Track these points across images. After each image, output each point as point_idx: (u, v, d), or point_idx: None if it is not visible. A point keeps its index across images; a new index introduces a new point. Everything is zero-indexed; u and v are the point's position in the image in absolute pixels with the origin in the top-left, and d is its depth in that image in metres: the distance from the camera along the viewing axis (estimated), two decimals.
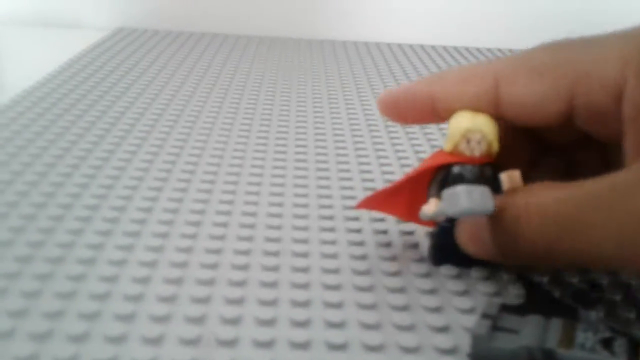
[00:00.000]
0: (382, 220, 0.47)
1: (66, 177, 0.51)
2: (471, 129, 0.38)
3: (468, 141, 0.38)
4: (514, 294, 0.39)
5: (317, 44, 1.10)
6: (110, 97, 0.75)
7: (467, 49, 1.11)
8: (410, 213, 0.43)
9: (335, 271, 0.40)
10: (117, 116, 0.68)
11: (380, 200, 0.44)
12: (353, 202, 0.49)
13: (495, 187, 0.38)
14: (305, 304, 0.36)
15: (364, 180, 0.55)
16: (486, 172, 0.38)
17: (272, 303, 0.36)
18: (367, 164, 0.59)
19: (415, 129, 0.68)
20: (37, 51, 0.99)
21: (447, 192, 0.37)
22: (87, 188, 0.50)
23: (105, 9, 1.14)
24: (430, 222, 0.42)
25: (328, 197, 0.50)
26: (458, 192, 0.37)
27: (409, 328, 0.35)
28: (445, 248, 0.41)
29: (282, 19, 1.15)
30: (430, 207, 0.39)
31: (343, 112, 0.74)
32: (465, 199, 0.36)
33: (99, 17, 1.13)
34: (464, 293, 0.39)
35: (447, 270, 0.41)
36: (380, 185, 0.54)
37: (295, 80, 0.86)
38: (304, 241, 0.43)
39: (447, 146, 0.39)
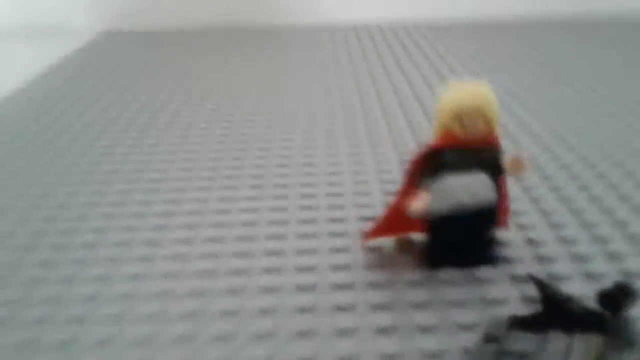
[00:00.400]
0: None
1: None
2: (465, 108, 0.34)
3: (462, 121, 0.34)
4: (526, 299, 0.34)
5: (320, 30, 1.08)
6: (109, 96, 0.74)
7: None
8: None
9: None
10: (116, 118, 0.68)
11: (391, 224, 0.39)
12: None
13: (497, 171, 0.34)
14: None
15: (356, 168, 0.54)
16: (486, 155, 0.35)
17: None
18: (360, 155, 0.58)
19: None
20: (18, 60, 0.97)
21: (438, 186, 0.33)
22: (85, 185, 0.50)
23: (86, 13, 1.12)
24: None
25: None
26: (450, 185, 0.33)
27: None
28: (442, 248, 0.37)
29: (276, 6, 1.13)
30: (419, 203, 0.34)
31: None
32: (459, 192, 0.33)
33: (80, 21, 1.11)
34: (463, 305, 0.34)
35: (445, 274, 0.37)
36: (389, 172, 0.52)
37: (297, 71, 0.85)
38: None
39: (438, 128, 0.35)
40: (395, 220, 0.39)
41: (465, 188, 0.33)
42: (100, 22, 1.12)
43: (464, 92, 0.35)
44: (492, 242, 0.39)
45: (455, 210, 0.34)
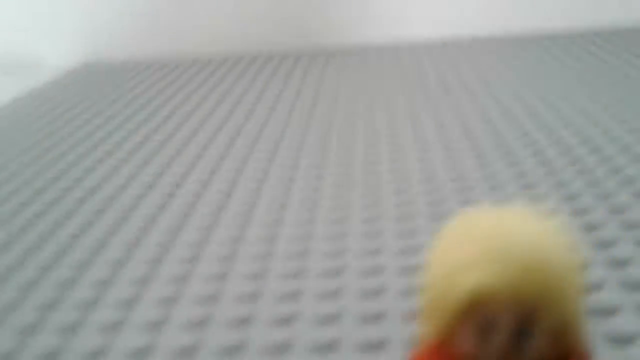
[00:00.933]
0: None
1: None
2: (491, 295, 0.16)
3: (485, 327, 0.17)
4: None
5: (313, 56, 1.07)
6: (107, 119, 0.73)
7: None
8: None
9: None
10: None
11: None
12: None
13: None
14: None
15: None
16: None
17: None
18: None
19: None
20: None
21: None
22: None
23: (66, 45, 1.11)
24: None
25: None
26: None
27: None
28: None
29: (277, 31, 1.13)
30: None
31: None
32: None
33: (60, 54, 1.10)
34: None
35: None
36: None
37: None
38: None
39: (428, 334, 0.18)
40: None
41: None
42: (84, 55, 1.11)
43: (499, 245, 0.17)
44: None
45: None
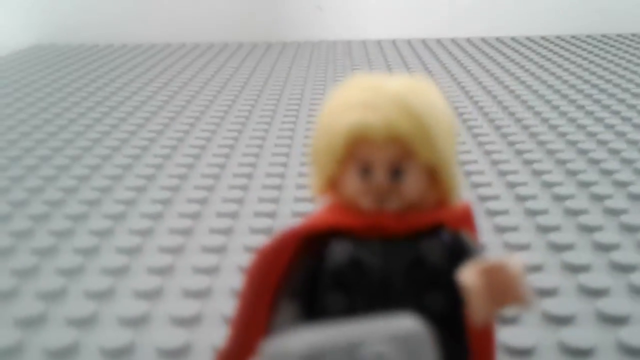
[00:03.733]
0: None
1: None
2: (371, 131, 0.18)
3: (366, 169, 0.18)
4: None
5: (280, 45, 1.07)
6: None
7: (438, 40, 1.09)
8: None
9: None
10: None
11: None
12: None
13: (450, 292, 0.18)
14: None
15: None
16: (430, 260, 0.19)
17: None
18: None
19: None
20: None
21: (268, 355, 0.16)
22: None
23: (19, 26, 1.07)
24: None
25: None
26: (330, 346, 0.16)
27: None
28: None
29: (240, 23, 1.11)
30: None
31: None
32: None
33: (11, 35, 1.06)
34: None
35: None
36: None
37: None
38: None
39: (317, 180, 0.20)
40: None
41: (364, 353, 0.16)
42: (33, 37, 1.06)
43: (373, 89, 0.19)
44: None
45: None
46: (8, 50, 1.01)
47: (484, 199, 0.44)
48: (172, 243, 0.38)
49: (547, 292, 0.33)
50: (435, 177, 0.19)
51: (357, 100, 0.18)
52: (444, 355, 0.17)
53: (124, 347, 0.29)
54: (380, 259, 0.18)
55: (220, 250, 0.38)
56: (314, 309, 0.19)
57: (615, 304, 0.31)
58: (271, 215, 0.42)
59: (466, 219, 0.20)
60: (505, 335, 0.29)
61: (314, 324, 0.17)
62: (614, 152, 0.52)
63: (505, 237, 0.38)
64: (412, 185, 0.18)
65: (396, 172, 0.18)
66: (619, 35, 1.03)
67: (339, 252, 0.19)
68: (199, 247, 0.38)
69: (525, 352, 0.28)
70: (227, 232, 0.40)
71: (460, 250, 0.19)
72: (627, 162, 0.50)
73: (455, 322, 0.19)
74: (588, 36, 1.04)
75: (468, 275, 0.17)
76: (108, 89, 0.77)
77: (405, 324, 0.16)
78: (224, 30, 1.08)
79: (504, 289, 0.17)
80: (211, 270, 0.36)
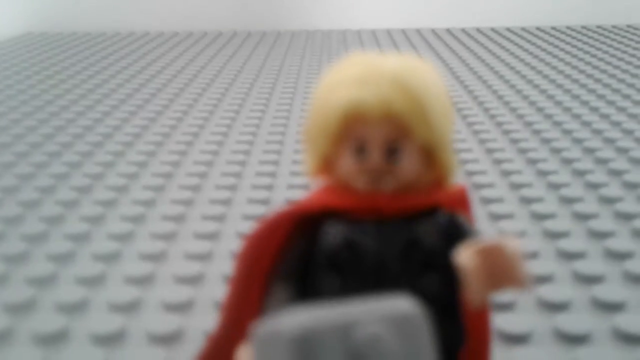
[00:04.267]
0: None
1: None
2: (366, 108, 0.17)
3: (361, 148, 0.18)
4: None
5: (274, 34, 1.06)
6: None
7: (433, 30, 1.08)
8: None
9: None
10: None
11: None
12: None
13: (446, 274, 0.18)
14: None
15: None
16: (426, 242, 0.18)
17: None
18: None
19: None
20: None
21: (260, 337, 0.16)
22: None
23: (9, 14, 1.06)
24: None
25: None
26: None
27: None
28: None
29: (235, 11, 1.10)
30: None
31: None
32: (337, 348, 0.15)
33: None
34: None
35: None
36: None
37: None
38: None
39: (311, 161, 0.19)
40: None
41: (353, 346, 0.15)
42: (23, 25, 1.06)
43: (369, 67, 0.18)
44: None
45: None
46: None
47: (478, 186, 0.43)
48: (164, 229, 0.38)
49: (542, 279, 0.32)
50: (431, 157, 0.18)
51: (353, 77, 0.18)
52: (439, 337, 0.16)
53: (114, 332, 0.29)
54: (375, 240, 0.18)
55: (212, 236, 0.37)
56: (307, 292, 0.18)
57: (610, 291, 0.31)
58: (265, 202, 0.42)
59: (462, 201, 0.19)
60: (500, 321, 0.29)
61: (306, 305, 0.16)
62: (609, 140, 0.51)
63: (500, 225, 0.38)
64: (408, 165, 0.18)
65: (392, 152, 0.18)
66: (614, 27, 1.03)
67: (332, 233, 0.18)
68: (191, 233, 0.38)
69: (521, 338, 0.28)
70: (219, 218, 0.40)
71: (456, 232, 0.18)
72: (622, 150, 0.49)
73: (451, 303, 0.18)
74: (583, 27, 1.04)
75: (465, 256, 0.17)
76: (100, 77, 0.76)
77: (401, 305, 0.16)
78: (218, 19, 1.08)
79: (502, 271, 0.17)
80: (203, 257, 0.35)
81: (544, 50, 0.87)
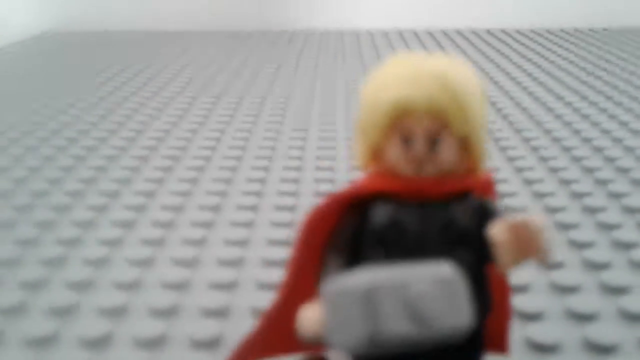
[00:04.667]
0: None
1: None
2: (414, 105, 0.20)
3: (407, 136, 0.20)
4: None
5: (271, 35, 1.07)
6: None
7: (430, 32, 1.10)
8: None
9: None
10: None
11: (274, 342, 0.24)
12: None
13: (484, 256, 0.21)
14: None
15: None
16: (461, 221, 0.21)
17: None
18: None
19: None
20: None
21: (331, 292, 0.19)
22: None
23: (28, 13, 1.06)
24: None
25: None
26: (376, 290, 0.18)
27: None
28: None
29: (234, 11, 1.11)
30: (312, 321, 0.20)
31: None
32: (392, 310, 0.18)
33: (21, 21, 1.05)
34: None
35: None
36: None
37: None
38: None
39: (362, 150, 0.22)
40: (279, 336, 0.24)
41: (408, 300, 0.18)
42: (43, 23, 1.06)
43: (415, 67, 0.21)
44: None
45: (392, 348, 0.18)
46: (14, 38, 1.01)
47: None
48: (154, 235, 0.39)
49: (568, 290, 0.33)
50: (466, 147, 0.21)
51: (401, 76, 0.20)
52: (475, 308, 0.20)
53: (103, 336, 0.30)
54: (417, 220, 0.21)
55: (200, 243, 0.38)
56: (356, 264, 0.21)
57: (636, 302, 0.32)
58: (253, 208, 0.43)
59: (489, 187, 0.22)
60: (530, 331, 0.30)
61: (366, 270, 0.19)
62: (617, 140, 0.53)
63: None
64: (447, 154, 0.20)
65: (433, 142, 0.20)
66: (605, 30, 1.04)
67: (381, 213, 0.21)
68: (180, 239, 0.39)
69: (550, 348, 0.29)
70: (208, 225, 0.40)
71: (486, 213, 0.21)
72: (629, 149, 0.51)
73: (481, 276, 0.21)
74: (576, 30, 1.05)
75: (497, 231, 0.19)
76: (96, 79, 0.77)
77: (445, 270, 0.19)
78: (213, 19, 1.09)
79: (528, 243, 0.19)
80: (191, 263, 0.36)
81: (549, 50, 0.88)
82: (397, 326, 0.18)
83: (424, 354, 0.20)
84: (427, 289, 0.18)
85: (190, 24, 1.09)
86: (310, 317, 0.20)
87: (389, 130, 0.20)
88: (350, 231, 0.21)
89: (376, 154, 0.21)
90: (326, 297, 0.19)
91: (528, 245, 0.19)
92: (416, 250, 0.20)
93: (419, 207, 0.21)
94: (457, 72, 0.20)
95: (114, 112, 0.64)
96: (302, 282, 0.22)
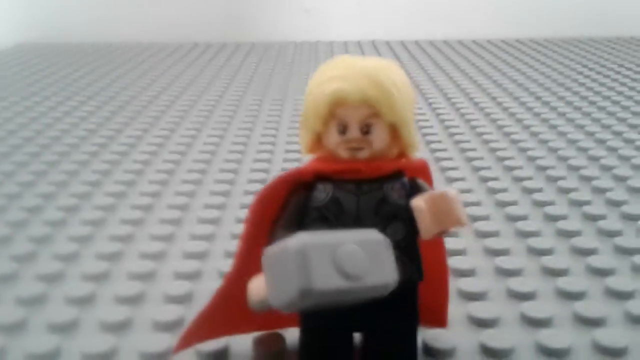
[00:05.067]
0: None
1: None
2: (348, 96, 0.23)
3: (343, 126, 0.23)
4: None
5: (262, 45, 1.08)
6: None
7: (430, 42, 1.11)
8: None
9: None
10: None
11: (228, 317, 0.27)
12: None
13: (408, 224, 0.24)
14: None
15: None
16: (392, 195, 0.24)
17: None
18: None
19: None
20: None
21: (270, 254, 0.21)
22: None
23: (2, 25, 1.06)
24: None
25: None
26: (309, 251, 0.20)
27: None
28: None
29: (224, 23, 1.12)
30: (258, 288, 0.22)
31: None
32: (304, 275, 0.19)
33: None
34: None
35: None
36: None
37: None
38: None
39: (305, 136, 0.25)
40: (231, 312, 0.26)
41: (337, 257, 0.20)
42: (17, 35, 1.06)
43: (349, 66, 0.24)
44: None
45: (324, 303, 0.20)
46: None
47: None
48: (153, 249, 0.38)
49: (575, 296, 0.33)
50: (396, 134, 0.24)
51: (338, 73, 0.23)
52: (401, 271, 0.22)
53: (106, 352, 0.29)
54: (354, 197, 0.24)
55: (201, 256, 0.38)
56: None
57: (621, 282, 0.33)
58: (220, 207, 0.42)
59: (423, 170, 0.26)
60: (541, 337, 0.29)
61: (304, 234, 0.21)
62: (573, 142, 0.53)
63: (508, 210, 0.39)
64: (379, 138, 0.23)
65: (366, 128, 0.23)
66: (589, 39, 1.06)
67: (322, 192, 0.24)
68: (180, 252, 0.38)
69: (562, 352, 0.29)
70: (208, 238, 0.40)
71: (416, 191, 0.24)
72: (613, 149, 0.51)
73: (411, 247, 0.24)
74: (561, 39, 1.06)
75: (416, 200, 0.23)
76: (87, 90, 0.76)
77: (372, 233, 0.21)
78: (209, 30, 1.09)
79: (444, 212, 0.22)
80: (193, 276, 0.36)
81: (524, 62, 0.89)
82: (327, 281, 0.20)
83: (359, 321, 0.24)
84: (354, 248, 0.20)
85: (167, 36, 1.09)
86: (256, 285, 0.22)
87: (328, 120, 0.23)
88: (296, 208, 0.24)
89: (318, 141, 0.24)
90: (265, 259, 0.21)
91: (444, 214, 0.22)
92: (353, 225, 0.23)
93: (356, 186, 0.23)
94: (385, 69, 0.24)
95: (86, 120, 0.64)
96: (252, 257, 0.24)
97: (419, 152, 0.26)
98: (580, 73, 0.83)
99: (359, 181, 0.24)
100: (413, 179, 0.25)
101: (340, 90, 0.23)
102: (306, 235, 0.20)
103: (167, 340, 0.30)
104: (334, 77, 0.23)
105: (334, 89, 0.23)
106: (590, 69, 0.85)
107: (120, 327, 0.31)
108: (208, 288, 0.34)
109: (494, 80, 0.80)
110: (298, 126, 0.26)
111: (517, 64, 0.90)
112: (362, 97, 0.23)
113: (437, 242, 0.27)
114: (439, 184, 0.46)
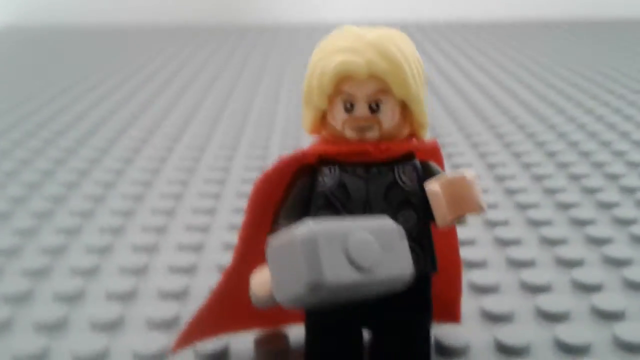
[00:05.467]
0: None
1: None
2: (354, 70, 0.21)
3: (349, 100, 0.21)
4: None
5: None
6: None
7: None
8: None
9: None
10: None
11: (219, 316, 0.25)
12: None
13: (420, 211, 0.22)
14: None
15: None
16: (403, 180, 0.22)
17: None
18: None
19: None
20: None
21: (275, 245, 0.19)
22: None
23: None
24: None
25: None
26: (297, 242, 0.18)
27: None
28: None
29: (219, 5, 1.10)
30: (262, 283, 0.20)
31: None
32: (314, 267, 0.17)
33: None
34: None
35: None
36: None
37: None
38: None
39: (308, 116, 0.23)
40: (236, 306, 0.24)
41: (348, 248, 0.18)
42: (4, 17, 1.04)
43: (356, 37, 0.21)
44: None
45: (334, 298, 0.18)
46: None
47: None
48: (145, 241, 0.36)
49: (592, 288, 0.32)
50: (406, 112, 0.22)
51: (344, 45, 0.21)
52: (414, 260, 0.20)
53: (97, 352, 0.27)
54: (363, 182, 0.21)
55: (197, 248, 0.36)
56: None
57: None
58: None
59: (434, 152, 0.23)
60: (558, 332, 0.28)
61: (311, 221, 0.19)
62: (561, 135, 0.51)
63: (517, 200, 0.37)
64: (388, 116, 0.21)
65: (375, 105, 0.21)
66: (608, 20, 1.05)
67: (328, 176, 0.22)
68: (174, 245, 0.36)
69: (581, 349, 0.27)
70: (204, 229, 0.38)
71: (428, 175, 0.22)
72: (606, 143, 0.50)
73: (424, 235, 0.22)
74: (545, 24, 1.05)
75: (431, 185, 0.21)
76: (79, 74, 0.74)
77: (385, 221, 0.20)
78: (196, 12, 1.07)
79: (461, 197, 0.21)
80: (188, 269, 0.34)
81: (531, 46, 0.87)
82: (339, 273, 0.18)
83: (369, 317, 0.22)
84: (367, 237, 0.18)
85: (157, 18, 1.06)
86: (260, 279, 0.20)
87: (333, 96, 0.21)
88: (300, 194, 0.22)
89: (322, 120, 0.22)
90: (269, 252, 0.19)
91: (461, 199, 0.21)
92: (362, 211, 0.21)
93: (364, 169, 0.21)
94: (394, 40, 0.21)
95: (69, 107, 0.62)
96: (254, 248, 0.22)
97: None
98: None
99: (367, 164, 0.22)
100: (425, 162, 0.23)
101: (347, 63, 0.21)
102: (314, 223, 0.18)
103: (162, 339, 0.28)
104: (340, 49, 0.21)
105: (339, 61, 0.21)
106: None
107: (112, 326, 0.29)
108: (205, 282, 0.32)
109: (499, 65, 0.78)
110: (301, 104, 0.23)
111: (508, 50, 0.89)
112: (370, 71, 0.21)
113: (449, 230, 0.25)
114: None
